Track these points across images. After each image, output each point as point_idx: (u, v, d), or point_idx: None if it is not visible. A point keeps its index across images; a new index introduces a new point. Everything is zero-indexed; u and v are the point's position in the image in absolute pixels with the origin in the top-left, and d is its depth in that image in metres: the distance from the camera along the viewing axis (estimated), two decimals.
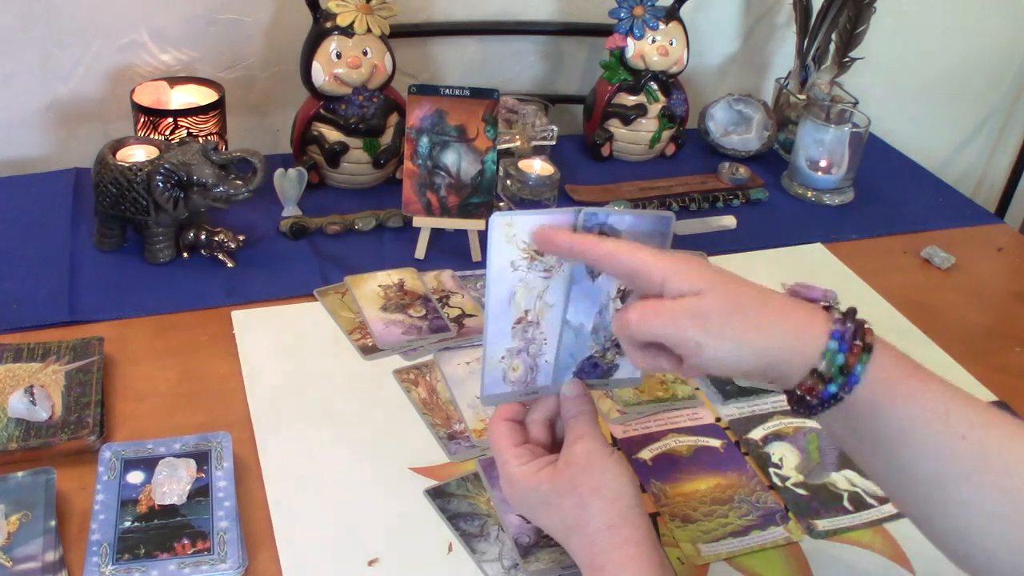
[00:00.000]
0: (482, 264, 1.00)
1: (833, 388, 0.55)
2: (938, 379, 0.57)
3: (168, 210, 0.95)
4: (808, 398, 0.56)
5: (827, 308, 0.58)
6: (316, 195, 1.12)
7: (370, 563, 0.69)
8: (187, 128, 1.08)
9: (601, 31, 1.29)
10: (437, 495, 0.74)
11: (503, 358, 0.65)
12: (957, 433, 0.54)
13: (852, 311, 0.57)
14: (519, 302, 0.64)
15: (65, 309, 0.91)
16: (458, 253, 1.04)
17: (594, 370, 0.68)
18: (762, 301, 0.57)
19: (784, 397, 0.87)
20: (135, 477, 0.72)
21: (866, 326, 0.56)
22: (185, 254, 1.00)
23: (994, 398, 0.89)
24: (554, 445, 0.68)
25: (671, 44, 1.24)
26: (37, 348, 0.83)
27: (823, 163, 1.21)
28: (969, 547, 0.55)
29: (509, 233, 0.62)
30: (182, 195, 0.95)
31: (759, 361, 0.56)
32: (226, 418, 0.80)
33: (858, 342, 0.55)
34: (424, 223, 1.03)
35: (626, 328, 0.58)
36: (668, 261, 0.58)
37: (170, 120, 1.07)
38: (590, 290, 0.66)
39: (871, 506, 0.77)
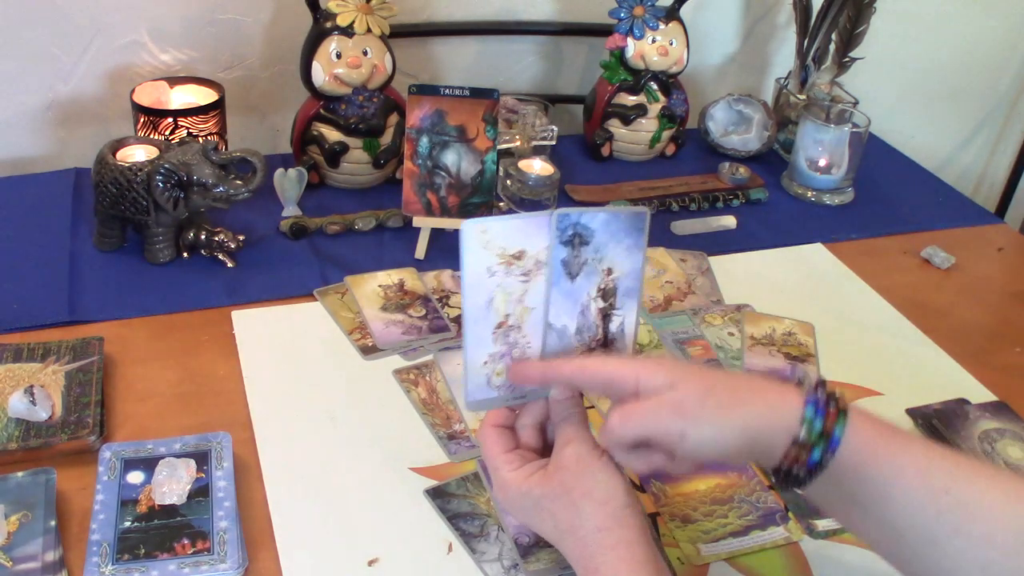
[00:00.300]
0: None
1: (816, 454, 0.56)
2: (915, 437, 0.59)
3: (168, 210, 0.95)
4: (794, 470, 0.57)
5: (798, 383, 0.60)
6: (316, 195, 1.12)
7: (370, 563, 0.69)
8: (187, 128, 1.08)
9: (601, 31, 1.29)
10: (437, 495, 0.74)
11: (485, 363, 0.65)
12: (940, 488, 0.56)
13: (822, 380, 0.59)
14: (498, 307, 0.64)
15: (65, 309, 0.91)
16: (458, 253, 1.03)
17: None
18: (733, 383, 0.60)
19: None
20: (135, 477, 0.72)
21: (838, 394, 0.58)
22: (185, 254, 1.00)
23: (994, 398, 0.89)
24: (545, 449, 0.68)
25: (671, 44, 1.24)
26: (37, 348, 0.83)
27: (823, 163, 1.21)
28: None
29: (484, 239, 0.62)
30: (182, 195, 0.95)
31: (742, 438, 0.58)
32: (226, 418, 0.80)
33: (832, 407, 0.57)
34: (424, 223, 1.03)
35: (610, 433, 0.60)
36: (637, 364, 0.61)
37: (170, 120, 1.07)
38: (570, 290, 0.65)
39: None
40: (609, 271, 0.66)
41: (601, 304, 0.67)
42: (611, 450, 0.62)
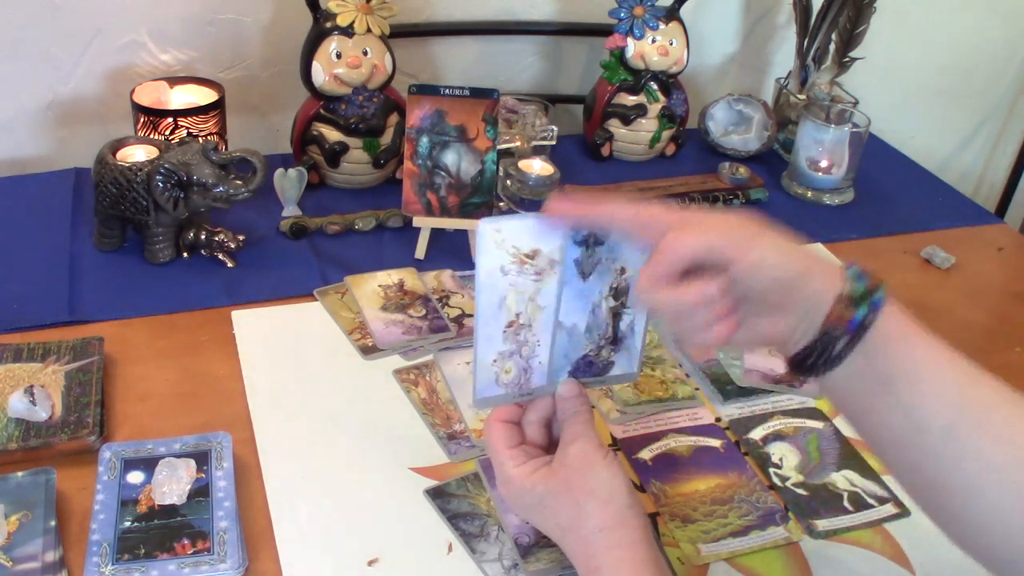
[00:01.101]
0: None
1: (862, 311, 0.55)
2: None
3: (168, 210, 0.95)
4: (836, 331, 0.56)
5: None
6: (316, 195, 1.12)
7: (370, 563, 0.69)
8: (187, 128, 1.08)
9: (601, 31, 1.29)
10: (437, 495, 0.74)
11: (495, 361, 0.65)
12: (966, 378, 0.56)
13: None
14: (510, 305, 0.64)
15: (65, 309, 0.91)
16: (458, 253, 1.04)
17: (589, 368, 0.68)
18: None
19: (783, 397, 0.88)
20: (135, 477, 0.72)
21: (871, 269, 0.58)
22: (185, 254, 1.00)
23: None
24: (551, 445, 0.68)
25: (671, 44, 1.24)
26: (37, 348, 0.83)
27: (823, 163, 1.21)
28: (981, 509, 0.54)
29: (498, 239, 0.62)
30: (182, 195, 0.95)
31: (800, 264, 0.57)
32: (226, 418, 0.80)
33: (870, 275, 0.57)
34: (424, 223, 1.03)
35: (666, 251, 0.56)
36: (681, 210, 0.59)
37: (170, 120, 1.07)
38: (582, 290, 0.65)
39: (871, 506, 0.77)
40: (622, 270, 0.66)
41: (612, 303, 0.67)
42: (655, 286, 0.57)
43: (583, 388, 0.68)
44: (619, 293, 0.67)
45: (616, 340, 0.68)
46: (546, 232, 0.63)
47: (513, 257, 0.62)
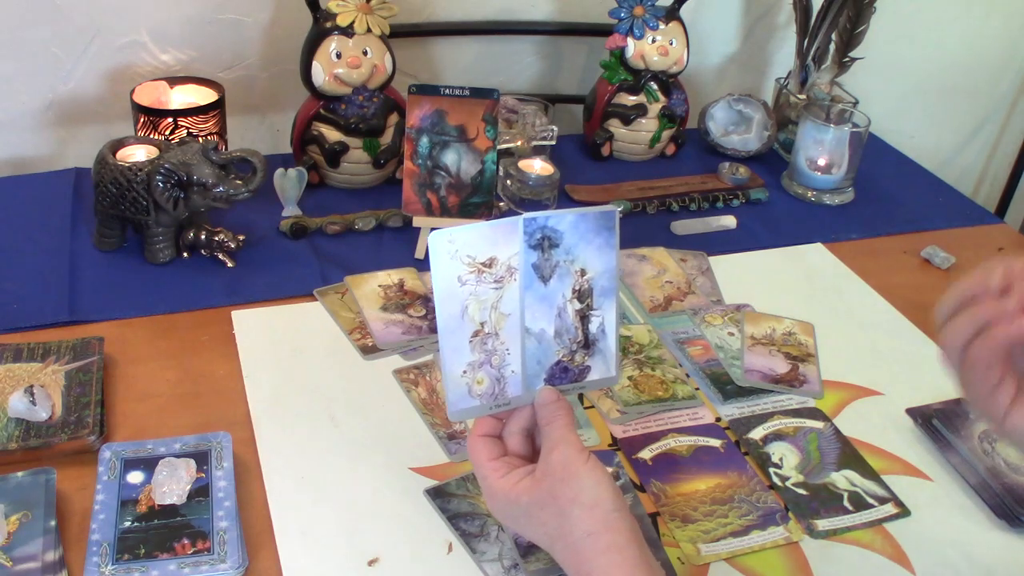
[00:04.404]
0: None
1: None
2: None
3: (168, 210, 0.95)
4: None
5: None
6: (316, 195, 1.12)
7: (370, 563, 0.69)
8: (187, 128, 1.08)
9: (601, 31, 1.29)
10: (437, 495, 0.74)
11: (465, 372, 0.65)
12: None
13: None
14: (472, 315, 0.64)
15: (65, 309, 0.91)
16: None
17: (565, 375, 0.68)
18: None
19: (783, 397, 0.88)
20: (135, 477, 0.72)
21: None
22: (185, 254, 1.00)
23: None
24: (534, 454, 0.67)
25: (671, 44, 1.24)
26: (37, 348, 0.83)
27: (823, 163, 1.21)
28: None
29: (451, 250, 0.62)
30: (182, 195, 0.95)
31: None
32: (226, 418, 0.80)
33: None
34: (424, 223, 1.03)
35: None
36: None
37: (170, 120, 1.07)
38: (544, 294, 0.65)
39: (871, 506, 0.77)
40: (583, 272, 0.66)
41: (578, 305, 0.67)
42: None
43: (560, 394, 0.67)
44: (583, 295, 0.67)
45: (588, 344, 0.68)
46: (500, 239, 0.63)
47: (469, 267, 0.63)
